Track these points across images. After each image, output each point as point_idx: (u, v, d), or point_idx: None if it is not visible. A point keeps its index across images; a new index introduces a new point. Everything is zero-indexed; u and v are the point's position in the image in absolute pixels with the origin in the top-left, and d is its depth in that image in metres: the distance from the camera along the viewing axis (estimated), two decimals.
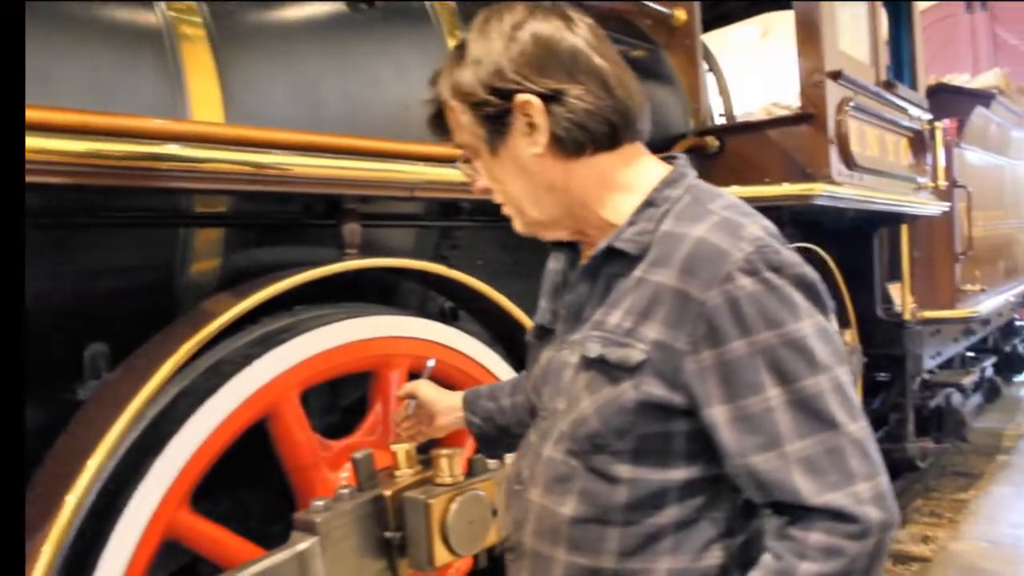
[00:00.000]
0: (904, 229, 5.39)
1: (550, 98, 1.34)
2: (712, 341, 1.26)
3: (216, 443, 1.97)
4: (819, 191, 3.64)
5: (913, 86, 5.34)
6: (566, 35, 1.35)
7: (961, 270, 6.21)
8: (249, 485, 2.39)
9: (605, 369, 1.35)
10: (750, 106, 7.48)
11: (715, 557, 1.36)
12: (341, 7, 2.59)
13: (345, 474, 2.21)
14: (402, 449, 2.14)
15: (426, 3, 2.83)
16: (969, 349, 7.45)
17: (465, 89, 1.37)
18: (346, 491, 2.03)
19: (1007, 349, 9.11)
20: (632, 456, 1.35)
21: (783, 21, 4.14)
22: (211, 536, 2.01)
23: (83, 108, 1.78)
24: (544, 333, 1.59)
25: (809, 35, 3.95)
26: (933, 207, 5.31)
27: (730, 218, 1.32)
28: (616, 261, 1.39)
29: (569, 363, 1.44)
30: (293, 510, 2.08)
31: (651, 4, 4.03)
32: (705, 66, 4.36)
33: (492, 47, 1.35)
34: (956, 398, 6.65)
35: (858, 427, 1.25)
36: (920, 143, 5.17)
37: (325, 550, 1.94)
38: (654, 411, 1.32)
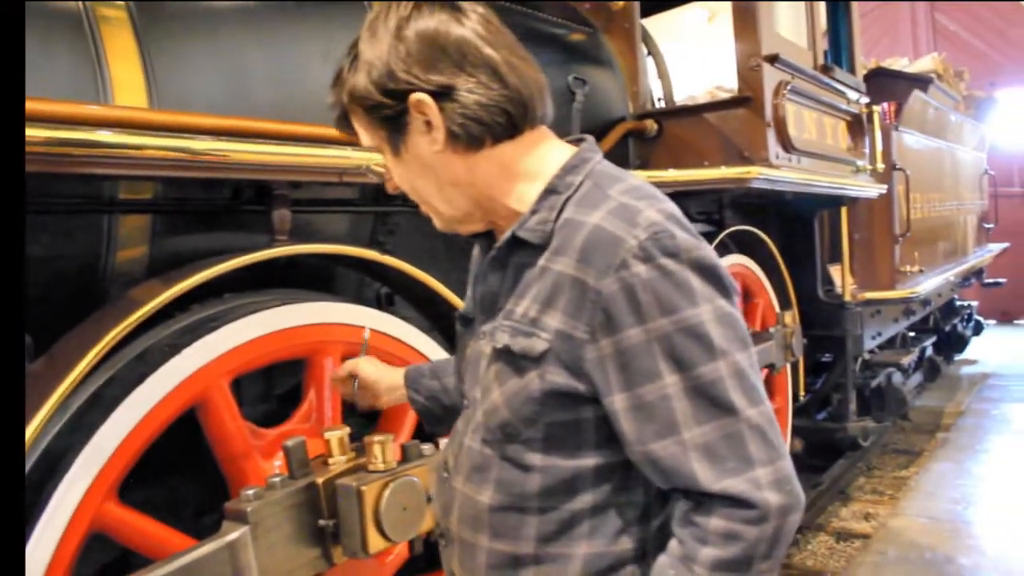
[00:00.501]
0: (844, 211, 5.46)
1: (441, 94, 1.33)
2: (609, 329, 1.26)
3: (143, 433, 1.93)
4: (756, 174, 3.68)
5: (851, 70, 5.41)
6: (453, 28, 1.33)
7: (900, 251, 6.32)
8: (182, 475, 2.36)
9: (511, 359, 1.36)
10: (695, 89, 7.53)
11: (631, 540, 1.38)
12: None
13: (279, 462, 2.19)
14: (335, 436, 2.12)
15: None
16: (910, 329, 7.58)
17: (360, 93, 1.36)
18: (278, 479, 2.01)
19: (947, 329, 9.29)
20: (543, 444, 1.36)
21: (729, 7, 4.15)
22: (140, 528, 1.98)
23: None
24: (467, 322, 1.60)
25: (746, 19, 3.98)
26: (871, 190, 5.39)
27: (626, 203, 1.31)
28: (522, 250, 1.39)
29: (484, 353, 1.44)
30: (228, 500, 2.06)
31: None
32: (644, 50, 4.36)
33: (380, 48, 1.33)
34: (896, 377, 6.78)
35: (758, 412, 1.25)
36: (858, 126, 5.24)
37: (256, 539, 1.92)
38: (560, 399, 1.33)
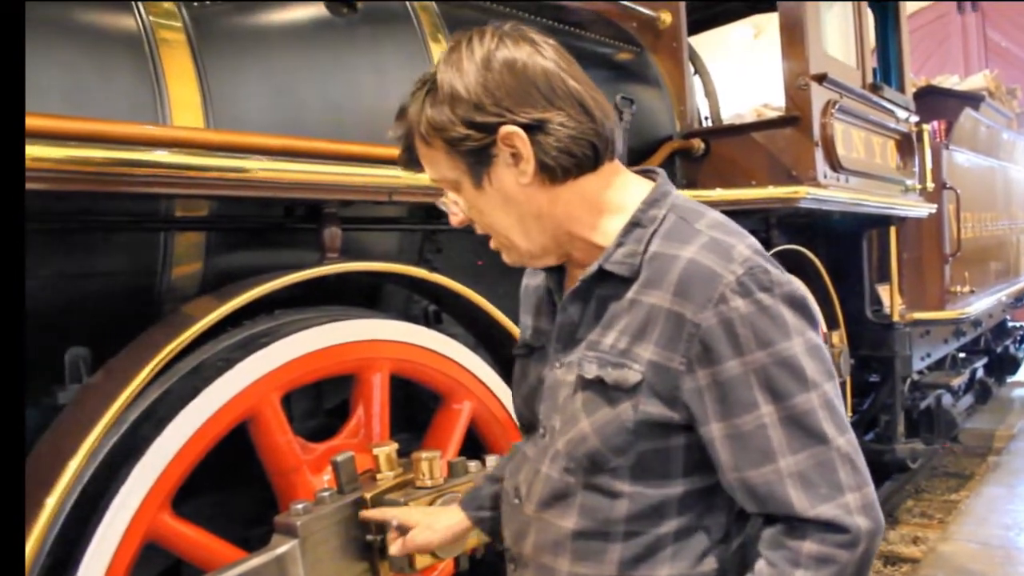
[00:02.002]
0: (893, 231, 5.40)
1: (534, 127, 1.32)
2: (707, 361, 1.29)
3: (197, 446, 1.97)
4: (804, 194, 3.66)
5: (900, 88, 5.36)
6: (538, 60, 1.33)
7: (950, 271, 6.23)
8: (233, 487, 2.40)
9: (602, 390, 1.37)
10: (742, 107, 7.51)
11: (713, 562, 1.40)
12: (322, 11, 2.60)
13: (328, 477, 2.21)
14: (383, 452, 2.15)
15: (408, 4, 2.84)
16: (961, 350, 7.47)
17: (443, 126, 1.33)
18: (326, 494, 2.04)
19: (999, 350, 9.13)
20: (631, 472, 1.38)
21: (775, 22, 4.15)
22: (192, 539, 2.02)
23: (62, 114, 1.79)
24: (531, 351, 1.61)
25: (794, 38, 3.97)
26: (921, 209, 5.33)
27: (718, 238, 1.34)
28: (607, 283, 1.40)
29: (565, 382, 1.45)
30: (277, 513, 2.09)
31: (636, 7, 4.04)
32: (691, 68, 4.37)
33: (467, 80, 1.31)
34: (946, 399, 6.68)
35: (846, 440, 1.28)
36: (908, 145, 5.19)
37: (305, 553, 1.95)
38: (653, 429, 1.35)
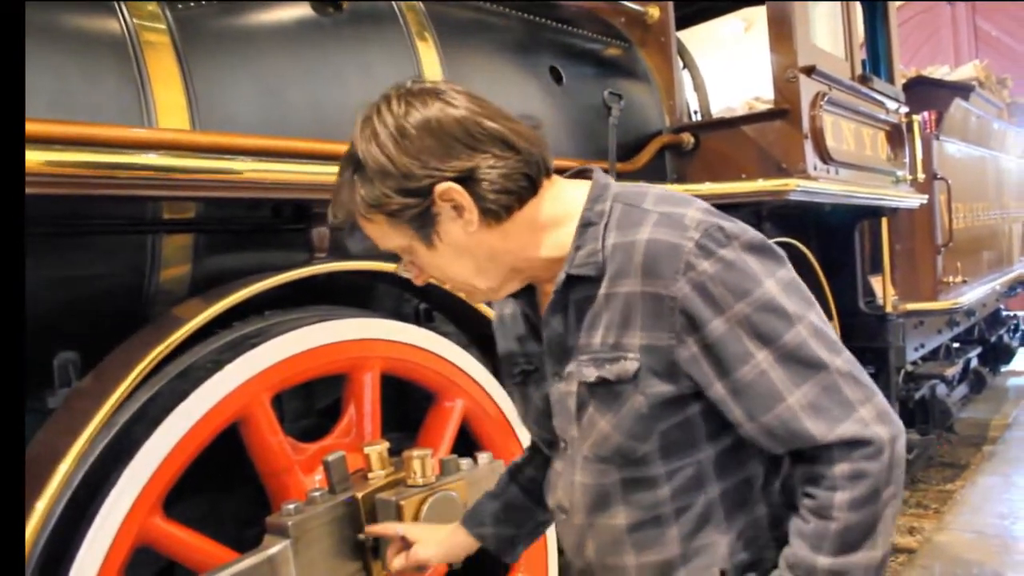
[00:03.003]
0: (884, 222, 5.41)
1: (466, 178, 1.35)
2: (693, 328, 1.33)
3: (187, 448, 1.97)
4: (794, 186, 3.67)
5: (890, 79, 5.36)
6: (450, 112, 1.36)
7: (942, 262, 6.24)
8: (225, 488, 2.39)
9: (608, 387, 1.41)
10: (733, 101, 7.51)
11: (763, 507, 1.47)
12: (307, 11, 2.59)
13: (319, 477, 2.22)
14: (375, 451, 2.15)
15: (394, 4, 2.84)
16: (955, 340, 7.48)
17: (380, 201, 1.37)
18: (318, 494, 2.04)
19: (993, 339, 9.14)
20: (661, 453, 1.43)
21: (765, 15, 4.14)
22: (183, 541, 2.02)
23: (47, 117, 1.78)
24: (526, 376, 1.63)
25: (782, 31, 3.97)
26: (912, 200, 5.33)
27: (667, 211, 1.39)
28: (578, 286, 1.44)
29: (570, 392, 1.48)
30: (269, 513, 2.09)
31: (624, 2, 4.04)
32: (680, 63, 4.37)
33: (388, 152, 1.34)
34: (941, 389, 6.68)
35: (843, 360, 1.33)
36: (898, 136, 5.19)
37: (297, 553, 1.95)
38: (667, 407, 1.39)
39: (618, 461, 1.45)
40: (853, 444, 1.29)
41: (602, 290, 1.41)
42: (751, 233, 1.38)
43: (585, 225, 1.44)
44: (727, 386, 1.34)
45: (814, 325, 1.33)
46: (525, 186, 1.40)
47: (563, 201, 1.47)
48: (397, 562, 1.90)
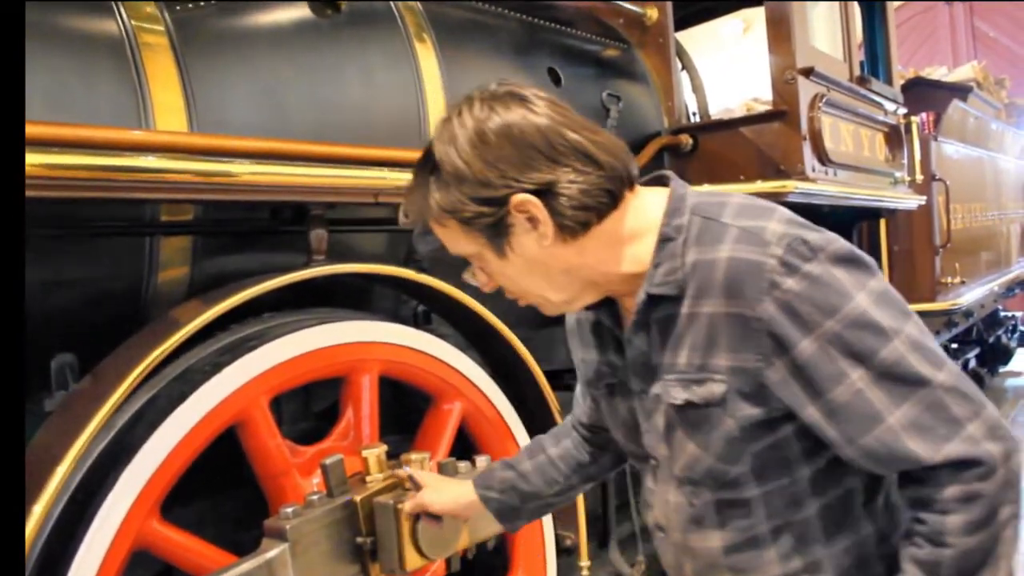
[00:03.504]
0: (883, 223, 5.41)
1: (544, 191, 1.32)
2: (781, 349, 1.28)
3: (185, 451, 1.97)
4: (792, 188, 3.66)
5: (888, 81, 5.36)
6: (532, 120, 1.32)
7: (941, 263, 6.24)
8: (223, 491, 2.39)
9: (695, 410, 1.38)
10: (732, 102, 7.51)
11: (867, 525, 1.42)
12: (306, 12, 2.59)
13: (317, 480, 2.21)
14: (373, 454, 2.14)
15: (392, 4, 2.83)
16: (953, 341, 7.48)
17: (454, 207, 1.34)
18: (316, 497, 2.04)
19: (991, 340, 9.15)
20: (755, 475, 1.39)
21: (764, 16, 4.14)
22: (181, 544, 2.01)
23: (44, 119, 1.78)
24: (612, 387, 1.60)
25: (780, 32, 3.96)
26: (910, 201, 5.33)
27: (747, 227, 1.33)
28: (659, 305, 1.40)
29: (658, 411, 1.45)
30: (267, 516, 2.09)
31: (623, 3, 4.04)
32: (679, 64, 4.36)
33: (467, 158, 1.31)
34: None
35: (946, 374, 1.25)
36: (896, 137, 5.19)
37: (295, 556, 1.94)
38: (757, 429, 1.35)
39: (710, 483, 1.42)
40: (963, 464, 1.22)
41: (684, 309, 1.36)
42: (838, 243, 1.31)
43: (664, 241, 1.39)
44: (821, 408, 1.28)
45: (912, 338, 1.25)
46: (605, 202, 1.36)
47: (643, 213, 1.42)
48: (407, 505, 1.96)
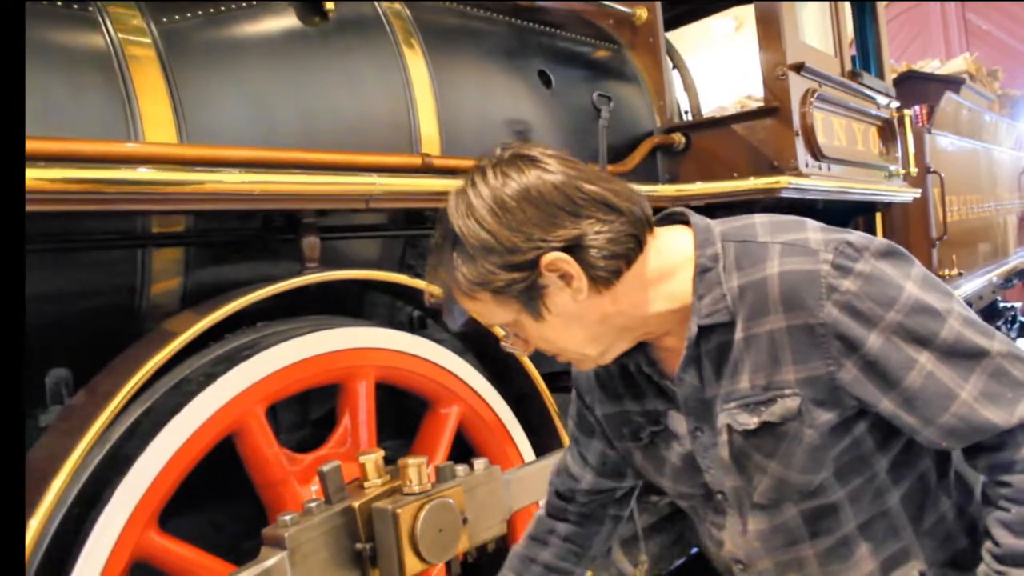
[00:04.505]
0: (878, 217, 5.40)
1: (572, 247, 1.32)
2: (850, 349, 1.31)
3: (182, 462, 1.97)
4: (786, 184, 3.66)
5: (880, 75, 5.36)
6: (548, 179, 1.32)
7: (938, 255, 6.24)
8: (222, 501, 2.39)
9: (771, 429, 1.38)
10: (726, 99, 7.50)
11: (946, 499, 1.46)
12: (293, 21, 2.59)
13: (316, 487, 2.21)
14: (370, 460, 2.13)
15: (380, 10, 2.83)
16: None
17: (484, 279, 1.33)
18: (314, 504, 2.03)
19: None
20: (837, 478, 1.41)
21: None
22: (180, 555, 2.01)
23: (33, 134, 1.77)
24: (653, 436, 1.58)
25: (770, 28, 3.96)
26: (905, 194, 5.33)
27: (788, 240, 1.36)
28: (710, 337, 1.40)
29: (720, 444, 1.44)
30: (266, 525, 2.08)
31: (612, 4, 4.04)
32: (670, 63, 4.36)
33: (490, 227, 1.30)
34: None
35: (999, 342, 1.31)
36: (889, 131, 5.18)
37: (295, 564, 1.93)
38: (836, 432, 1.37)
39: (795, 498, 1.43)
40: None
41: (739, 334, 1.37)
42: (876, 240, 1.35)
43: (703, 272, 1.39)
44: (897, 398, 1.31)
45: (962, 315, 1.31)
46: (632, 247, 1.36)
47: (668, 252, 1.43)
48: None
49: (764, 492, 1.44)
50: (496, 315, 1.40)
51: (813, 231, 1.37)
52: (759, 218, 1.44)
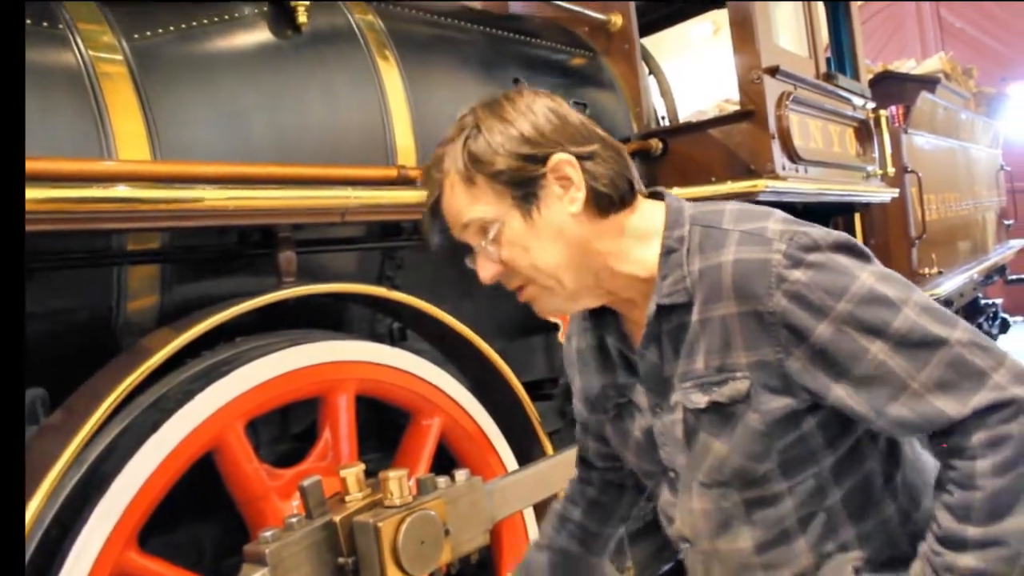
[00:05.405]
0: (857, 217, 5.44)
1: (584, 156, 1.40)
2: (798, 339, 1.33)
3: (160, 480, 1.96)
4: (763, 187, 3.68)
5: (855, 76, 5.39)
6: (568, 109, 1.44)
7: (918, 254, 6.27)
8: (203, 518, 2.38)
9: (720, 410, 1.41)
10: (705, 103, 7.52)
11: (891, 504, 1.46)
12: (267, 35, 2.58)
13: (297, 502, 2.20)
14: (351, 473, 2.13)
15: (353, 23, 2.82)
16: None
17: (491, 159, 1.38)
18: (295, 519, 2.02)
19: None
20: (781, 471, 1.42)
21: None
22: (161, 574, 2.00)
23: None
24: (620, 408, 1.63)
25: (744, 32, 3.98)
26: (883, 194, 5.36)
27: (747, 230, 1.39)
28: (669, 316, 1.44)
29: (676, 421, 1.48)
30: (248, 541, 2.07)
31: (587, 11, 4.05)
32: (646, 69, 4.38)
33: (514, 120, 1.39)
34: None
35: (961, 331, 1.29)
36: (866, 132, 5.21)
37: None
38: (783, 422, 1.39)
39: (737, 484, 1.45)
40: (990, 410, 1.25)
41: (695, 316, 1.41)
42: (837, 234, 1.38)
43: (667, 253, 1.44)
44: (846, 387, 1.31)
45: (920, 303, 1.30)
46: (627, 190, 1.44)
47: (649, 219, 1.48)
48: None
49: (708, 471, 1.46)
50: (483, 206, 1.42)
51: (775, 222, 1.39)
52: (730, 205, 1.47)
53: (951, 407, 1.26)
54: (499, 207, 1.41)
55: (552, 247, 1.43)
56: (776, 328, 1.33)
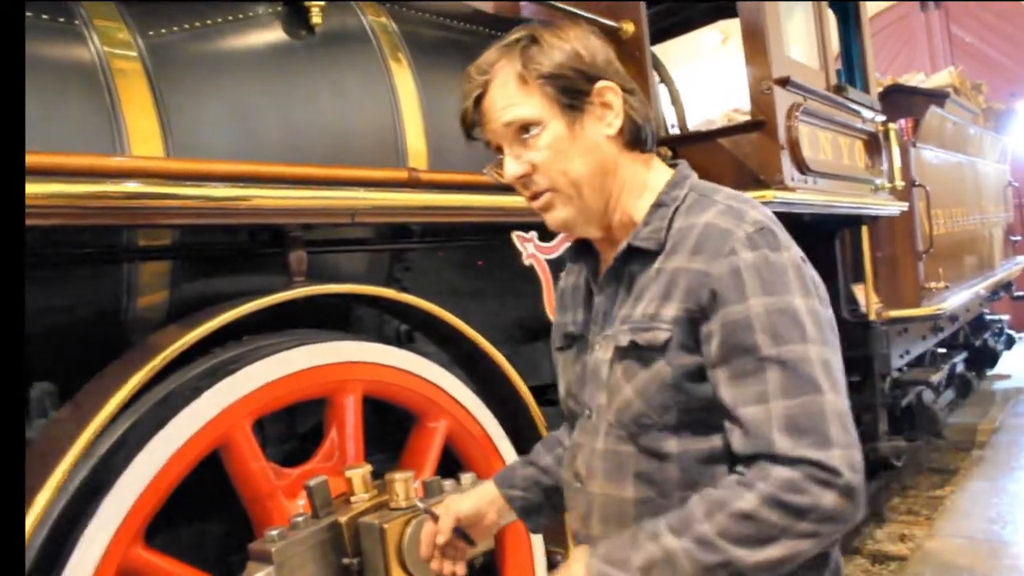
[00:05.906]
0: (865, 230, 5.43)
1: (626, 90, 1.50)
2: (717, 306, 1.38)
3: (168, 477, 1.96)
4: (772, 197, 3.67)
5: (865, 88, 5.39)
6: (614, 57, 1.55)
7: (924, 268, 6.26)
8: (209, 515, 2.37)
9: (637, 354, 1.46)
10: (713, 113, 7.54)
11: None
12: (280, 35, 2.59)
13: (303, 502, 2.20)
14: (357, 474, 2.14)
15: (367, 25, 2.83)
16: (940, 345, 7.49)
17: (546, 65, 1.46)
18: (301, 519, 2.03)
19: (978, 344, 9.17)
20: (676, 430, 1.45)
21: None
22: (167, 571, 2.00)
23: None
24: (573, 340, 1.69)
25: (756, 42, 3.99)
26: (891, 207, 5.36)
27: (733, 205, 1.46)
28: (636, 259, 1.52)
29: (604, 359, 1.53)
30: (253, 539, 2.07)
31: (598, 18, 4.05)
32: (656, 77, 4.38)
33: (570, 39, 1.48)
34: (927, 395, 6.68)
35: (841, 400, 1.33)
36: (875, 145, 5.21)
37: None
38: (690, 381, 1.42)
39: (635, 429, 1.47)
40: (809, 463, 1.27)
41: (655, 265, 1.47)
42: (804, 261, 1.44)
43: (658, 204, 1.52)
44: (726, 371, 1.36)
45: (826, 358, 1.34)
46: (650, 134, 1.55)
47: (656, 174, 1.57)
48: (443, 522, 1.82)
49: (616, 412, 1.50)
50: (530, 107, 1.48)
51: (759, 212, 1.46)
52: (732, 190, 1.54)
53: (782, 444, 1.29)
54: (546, 110, 1.48)
55: (584, 159, 1.50)
56: (704, 289, 1.38)
